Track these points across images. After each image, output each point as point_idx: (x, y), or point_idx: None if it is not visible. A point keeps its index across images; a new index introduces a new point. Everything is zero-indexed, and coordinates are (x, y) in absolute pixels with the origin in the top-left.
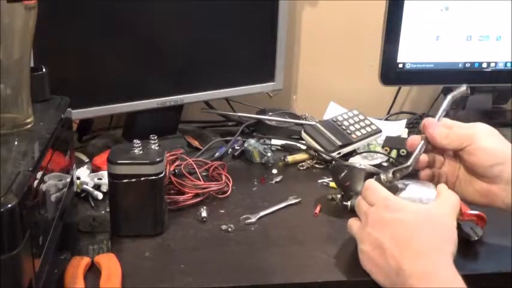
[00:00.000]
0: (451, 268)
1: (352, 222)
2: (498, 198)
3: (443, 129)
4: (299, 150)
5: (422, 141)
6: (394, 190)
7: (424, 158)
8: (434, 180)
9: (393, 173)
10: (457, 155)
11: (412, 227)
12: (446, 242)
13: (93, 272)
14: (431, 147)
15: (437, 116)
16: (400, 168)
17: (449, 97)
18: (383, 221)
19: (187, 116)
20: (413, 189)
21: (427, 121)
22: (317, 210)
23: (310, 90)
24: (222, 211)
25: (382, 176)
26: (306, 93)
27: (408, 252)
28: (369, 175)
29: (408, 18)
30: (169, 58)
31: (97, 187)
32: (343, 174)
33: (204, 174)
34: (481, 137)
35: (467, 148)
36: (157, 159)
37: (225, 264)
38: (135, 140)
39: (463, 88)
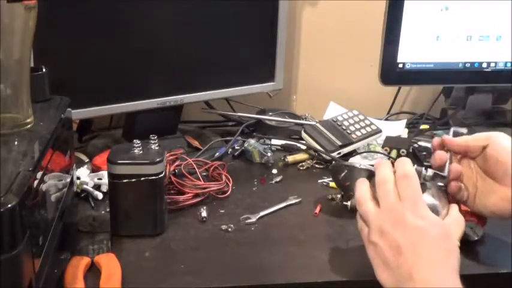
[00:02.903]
0: (458, 284)
1: (369, 207)
2: None
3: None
4: (299, 150)
5: (450, 153)
6: (423, 189)
7: (457, 167)
8: (461, 192)
9: (434, 174)
10: (472, 164)
11: (431, 238)
12: (456, 259)
13: (93, 272)
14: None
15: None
16: (439, 174)
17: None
18: (406, 223)
19: (187, 116)
20: (432, 195)
21: (444, 136)
22: (317, 210)
23: (310, 90)
24: (222, 211)
25: (424, 172)
26: (306, 93)
27: (422, 261)
28: (369, 175)
29: (408, 18)
30: (169, 58)
31: (97, 187)
32: (343, 174)
33: (204, 174)
34: (499, 136)
35: (490, 144)
36: (157, 159)
37: (225, 264)
38: (135, 140)
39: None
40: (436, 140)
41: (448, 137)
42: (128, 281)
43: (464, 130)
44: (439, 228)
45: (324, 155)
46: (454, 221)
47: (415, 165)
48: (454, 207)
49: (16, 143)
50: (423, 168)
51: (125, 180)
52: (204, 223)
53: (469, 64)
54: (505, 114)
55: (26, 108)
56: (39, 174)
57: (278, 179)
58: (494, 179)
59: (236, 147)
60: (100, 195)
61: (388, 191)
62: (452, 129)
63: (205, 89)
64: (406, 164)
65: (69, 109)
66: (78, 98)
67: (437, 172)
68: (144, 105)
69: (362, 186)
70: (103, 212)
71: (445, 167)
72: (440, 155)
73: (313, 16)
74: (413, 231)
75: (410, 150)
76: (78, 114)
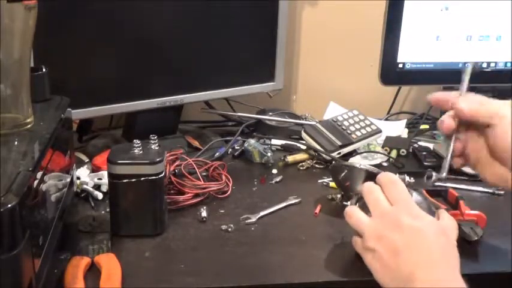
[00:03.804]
0: (461, 281)
1: (360, 217)
2: None
3: (473, 102)
4: (299, 150)
5: (452, 144)
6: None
7: (458, 146)
8: (466, 162)
9: (433, 182)
10: (482, 134)
11: (429, 237)
12: (456, 257)
13: (93, 272)
14: (457, 123)
15: (462, 92)
16: (438, 178)
17: (468, 71)
18: (402, 225)
19: (187, 116)
20: (416, 202)
21: (454, 97)
22: (317, 210)
23: (310, 90)
24: (222, 211)
25: (407, 179)
26: (306, 93)
27: (423, 260)
28: (369, 175)
29: (408, 18)
30: (169, 58)
31: (97, 187)
32: (343, 174)
33: (204, 174)
34: (508, 116)
35: (493, 125)
36: (157, 159)
37: (225, 264)
38: (135, 140)
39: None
40: (442, 97)
41: (460, 105)
42: (127, 281)
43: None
44: (436, 227)
45: (324, 155)
46: (448, 224)
47: (397, 174)
48: (444, 212)
49: (16, 143)
50: (405, 175)
51: (125, 180)
52: (204, 223)
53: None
54: None
55: (26, 108)
56: (39, 174)
57: (278, 179)
58: (495, 158)
59: (236, 147)
60: (100, 195)
61: (378, 198)
62: (470, 66)
63: (205, 89)
64: (387, 173)
65: (69, 109)
66: (78, 98)
67: (436, 175)
68: (144, 105)
69: (349, 205)
70: (103, 212)
71: (445, 167)
72: (448, 124)
73: (313, 16)
74: (410, 232)
75: (410, 150)
76: (78, 114)
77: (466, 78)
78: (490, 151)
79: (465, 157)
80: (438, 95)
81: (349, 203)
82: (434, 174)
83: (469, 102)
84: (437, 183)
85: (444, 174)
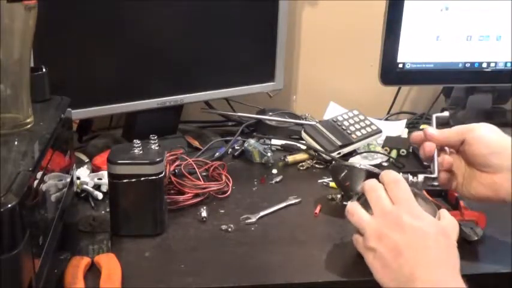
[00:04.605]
0: (461, 282)
1: (361, 215)
2: (502, 188)
3: (441, 129)
4: (299, 150)
5: (436, 158)
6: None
7: (449, 160)
8: (450, 182)
9: (424, 179)
10: (459, 152)
11: (430, 237)
12: (456, 257)
13: (93, 272)
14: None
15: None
16: (429, 177)
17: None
18: (403, 225)
19: (187, 116)
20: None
21: (425, 130)
22: (317, 210)
23: (310, 90)
24: (222, 211)
25: (411, 178)
26: (306, 93)
27: (424, 261)
28: (369, 175)
29: (408, 18)
30: (169, 58)
31: (97, 187)
32: (343, 174)
33: (204, 174)
34: (478, 128)
35: (466, 139)
36: (157, 159)
37: (225, 264)
38: (135, 140)
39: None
40: (416, 135)
41: (430, 131)
42: (127, 281)
43: (446, 114)
44: (437, 227)
45: (324, 155)
46: (449, 224)
47: (401, 173)
48: (445, 212)
49: (16, 143)
50: (409, 174)
51: (125, 180)
52: (204, 223)
53: (469, 64)
54: (505, 114)
55: (26, 108)
56: (39, 174)
57: (278, 179)
58: (474, 167)
59: (236, 147)
60: (100, 195)
61: (380, 197)
62: (434, 116)
63: (205, 89)
64: (391, 172)
65: (69, 109)
66: (78, 98)
67: (428, 176)
68: (144, 105)
69: (350, 202)
70: (103, 212)
71: (434, 167)
72: (429, 146)
73: (313, 16)
74: (411, 232)
75: (410, 150)
76: (78, 114)
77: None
78: (471, 164)
79: (453, 178)
80: (414, 135)
81: (349, 203)
82: (417, 176)
83: (438, 130)
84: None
85: (435, 174)
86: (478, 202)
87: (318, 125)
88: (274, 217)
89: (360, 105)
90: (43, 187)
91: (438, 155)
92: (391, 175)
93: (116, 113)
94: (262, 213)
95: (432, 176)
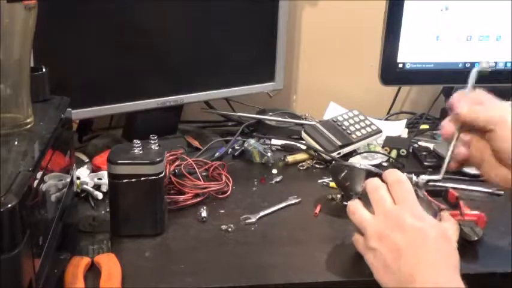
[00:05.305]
0: (461, 283)
1: (363, 215)
2: None
3: (472, 106)
4: (299, 150)
5: (453, 143)
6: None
7: (464, 153)
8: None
9: (426, 181)
10: (485, 136)
11: (430, 239)
12: (456, 259)
13: (93, 272)
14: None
15: (467, 91)
16: (431, 179)
17: (475, 70)
18: (404, 226)
19: (187, 116)
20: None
21: (455, 97)
22: (317, 210)
23: (310, 90)
24: (222, 211)
25: (414, 178)
26: (306, 93)
27: (424, 262)
28: (369, 175)
29: (408, 18)
30: (169, 58)
31: (97, 187)
32: (343, 174)
33: (204, 174)
34: (504, 123)
35: (495, 131)
36: (157, 159)
37: (225, 264)
38: (135, 140)
39: (488, 63)
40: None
41: (461, 107)
42: (127, 281)
43: (489, 62)
44: (438, 229)
45: (324, 155)
46: (450, 226)
47: (405, 173)
48: (446, 214)
49: (16, 143)
50: (413, 174)
51: (125, 180)
52: (204, 223)
53: (469, 64)
54: None
55: (26, 108)
56: (39, 174)
57: (278, 179)
58: (497, 160)
59: (236, 147)
60: (100, 195)
61: (382, 196)
62: (474, 72)
63: (205, 89)
64: (396, 171)
65: (69, 109)
66: (78, 98)
67: (431, 178)
68: (144, 105)
69: (352, 200)
70: (103, 212)
71: (442, 168)
72: (447, 128)
73: (313, 16)
74: (412, 233)
75: (410, 150)
76: (78, 114)
77: (472, 79)
78: (494, 153)
79: (468, 159)
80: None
81: (350, 201)
82: (420, 175)
83: (469, 106)
84: (436, 184)
85: (441, 176)
86: (502, 187)
87: (318, 125)
88: (274, 217)
89: (360, 105)
90: (43, 187)
91: (457, 138)
92: (395, 175)
93: (116, 113)
94: (262, 213)
95: (435, 177)
